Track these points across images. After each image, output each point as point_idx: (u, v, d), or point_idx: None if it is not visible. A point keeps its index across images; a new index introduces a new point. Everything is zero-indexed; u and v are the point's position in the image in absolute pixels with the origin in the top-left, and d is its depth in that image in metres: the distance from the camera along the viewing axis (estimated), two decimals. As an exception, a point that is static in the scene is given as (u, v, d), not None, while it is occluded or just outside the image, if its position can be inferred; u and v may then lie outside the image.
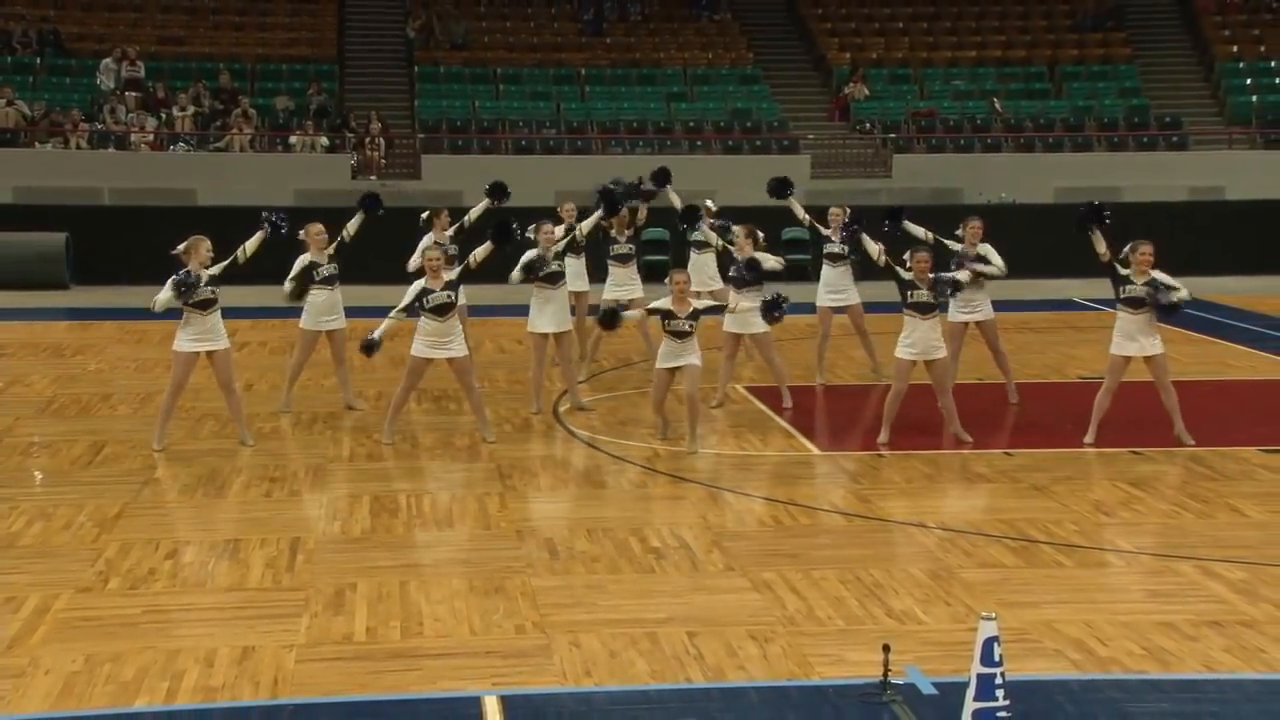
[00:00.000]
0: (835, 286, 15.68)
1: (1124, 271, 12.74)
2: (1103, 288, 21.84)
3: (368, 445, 13.31)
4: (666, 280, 13.20)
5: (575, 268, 15.59)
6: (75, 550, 10.10)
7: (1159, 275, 12.71)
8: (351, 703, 7.55)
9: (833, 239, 15.49)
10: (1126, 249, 12.79)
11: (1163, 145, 30.55)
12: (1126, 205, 27.46)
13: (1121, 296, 12.80)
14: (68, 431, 13.79)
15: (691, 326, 12.85)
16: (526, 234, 14.34)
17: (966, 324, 14.58)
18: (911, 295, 12.79)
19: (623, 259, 16.15)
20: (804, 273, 21.72)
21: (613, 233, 15.98)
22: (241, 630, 8.54)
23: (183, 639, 8.39)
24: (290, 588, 9.34)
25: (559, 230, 14.61)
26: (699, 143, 30.19)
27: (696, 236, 16.29)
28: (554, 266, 14.17)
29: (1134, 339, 12.78)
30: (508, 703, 7.49)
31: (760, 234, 14.61)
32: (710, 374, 14.45)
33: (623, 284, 16.08)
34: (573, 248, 14.83)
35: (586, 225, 14.97)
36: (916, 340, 12.81)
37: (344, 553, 10.11)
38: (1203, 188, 28.58)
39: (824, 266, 15.79)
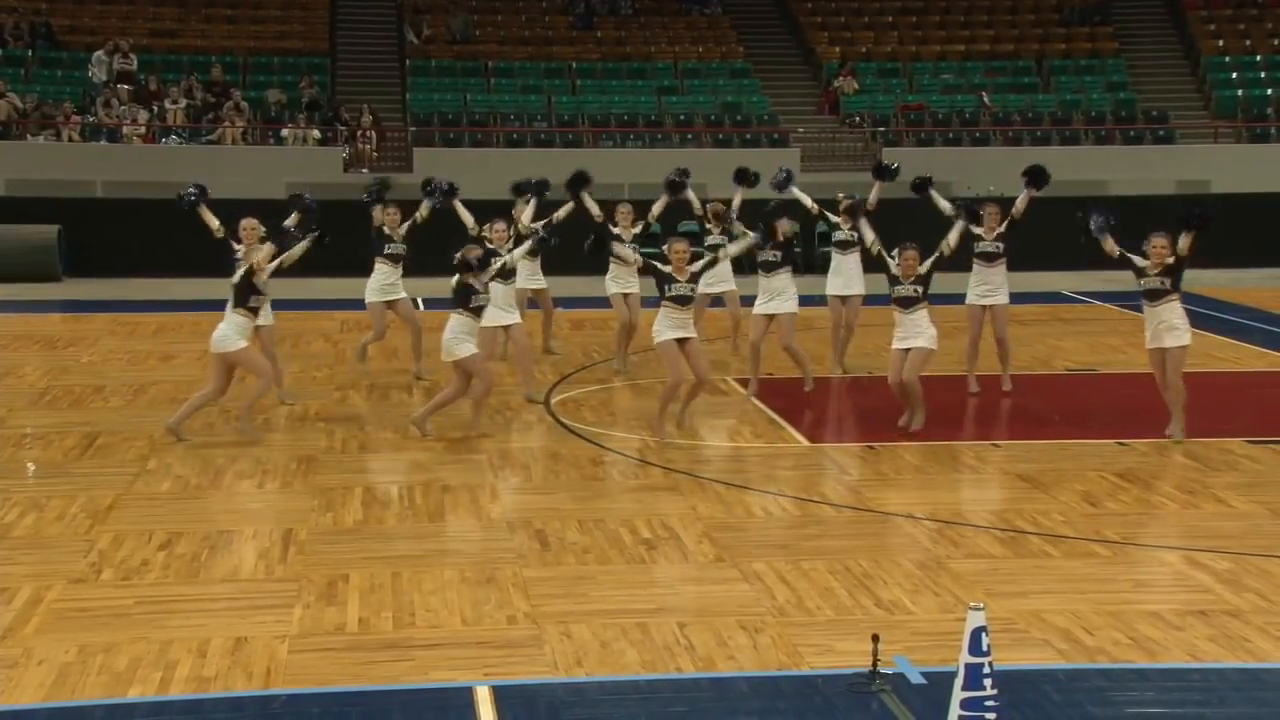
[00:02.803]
0: (845, 275, 15.77)
1: (1140, 264, 12.78)
2: (1091, 280, 21.92)
3: (360, 437, 13.35)
4: (664, 248, 13.26)
5: (532, 267, 16.00)
6: (68, 541, 10.14)
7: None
8: (344, 693, 7.58)
9: (842, 226, 15.56)
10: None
11: (1149, 139, 30.62)
12: (1113, 199, 27.60)
13: (1142, 289, 12.83)
14: (61, 423, 13.81)
15: (693, 291, 12.92)
16: (483, 233, 14.72)
17: (984, 308, 14.67)
18: (895, 290, 13.11)
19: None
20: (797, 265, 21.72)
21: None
22: (234, 621, 8.58)
23: (175, 629, 8.43)
24: (283, 578, 9.38)
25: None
26: (689, 136, 30.22)
27: (709, 241, 16.43)
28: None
29: (1151, 330, 12.81)
30: (499, 693, 7.53)
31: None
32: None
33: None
34: (536, 247, 14.94)
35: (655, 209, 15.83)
36: (901, 333, 13.14)
37: (336, 544, 10.15)
38: (1189, 181, 28.62)
39: (834, 255, 15.87)
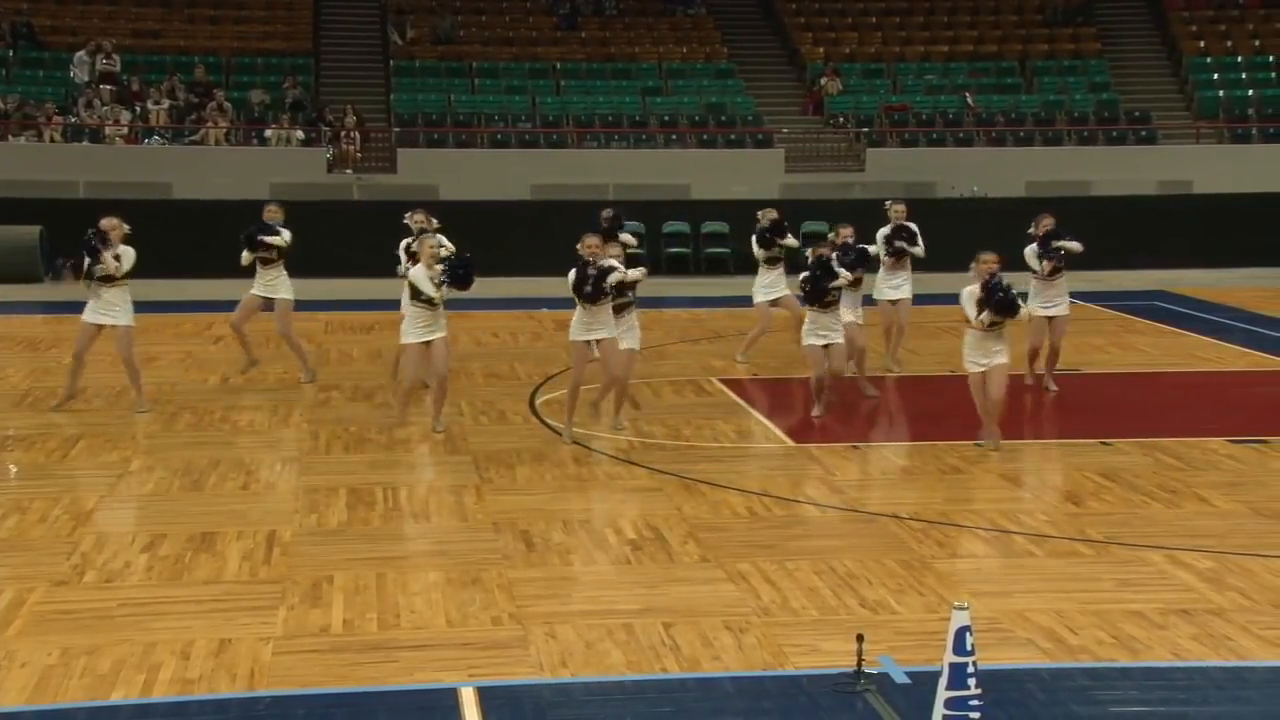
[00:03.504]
0: (892, 280, 16.03)
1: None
2: (1075, 281, 21.95)
3: (344, 437, 13.33)
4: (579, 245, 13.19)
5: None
6: (51, 543, 10.10)
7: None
8: (328, 694, 7.57)
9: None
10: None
11: (1132, 139, 30.72)
12: (1096, 199, 27.70)
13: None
14: (43, 425, 13.76)
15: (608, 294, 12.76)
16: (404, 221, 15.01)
17: (1048, 319, 14.90)
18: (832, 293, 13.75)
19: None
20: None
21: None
22: (218, 623, 8.55)
23: (159, 632, 8.41)
24: (267, 580, 9.36)
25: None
26: (674, 137, 30.22)
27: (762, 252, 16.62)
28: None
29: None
30: (484, 694, 7.53)
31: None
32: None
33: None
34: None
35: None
36: (822, 329, 13.69)
37: (320, 545, 10.13)
38: (1171, 181, 28.76)
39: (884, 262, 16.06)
